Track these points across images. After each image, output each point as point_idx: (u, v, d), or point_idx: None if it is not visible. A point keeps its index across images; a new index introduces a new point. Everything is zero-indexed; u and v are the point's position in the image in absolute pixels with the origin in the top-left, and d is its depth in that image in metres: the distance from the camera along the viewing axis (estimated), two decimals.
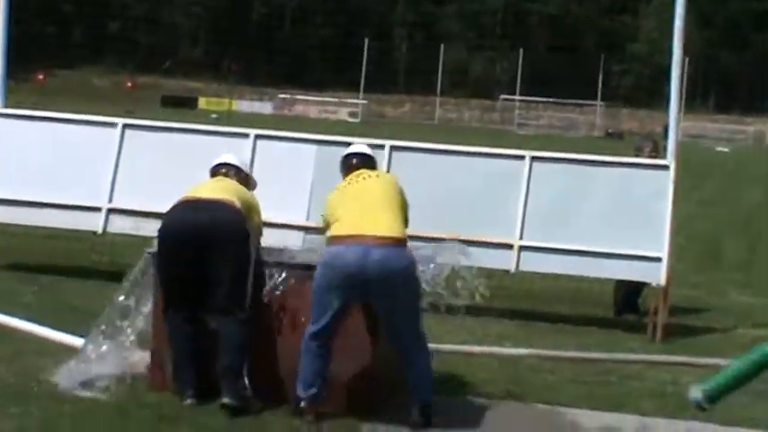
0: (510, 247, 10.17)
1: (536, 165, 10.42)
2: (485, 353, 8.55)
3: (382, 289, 6.17)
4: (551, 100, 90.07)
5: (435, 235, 9.01)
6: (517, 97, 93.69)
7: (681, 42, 10.16)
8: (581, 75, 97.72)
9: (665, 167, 10.12)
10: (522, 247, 10.15)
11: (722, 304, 11.78)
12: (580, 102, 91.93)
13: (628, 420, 6.70)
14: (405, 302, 6.27)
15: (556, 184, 10.34)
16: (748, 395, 7.61)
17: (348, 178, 6.73)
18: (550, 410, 6.84)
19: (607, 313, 10.71)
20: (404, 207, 6.58)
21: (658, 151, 11.04)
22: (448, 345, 8.23)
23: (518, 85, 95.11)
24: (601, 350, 8.89)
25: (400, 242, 6.28)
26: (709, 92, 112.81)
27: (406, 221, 6.53)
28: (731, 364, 5.80)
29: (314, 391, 6.25)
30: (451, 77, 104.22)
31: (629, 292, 10.73)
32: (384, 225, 6.26)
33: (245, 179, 7.15)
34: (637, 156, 10.93)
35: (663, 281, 9.70)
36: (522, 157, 10.51)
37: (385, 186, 6.61)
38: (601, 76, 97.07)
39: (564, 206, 10.24)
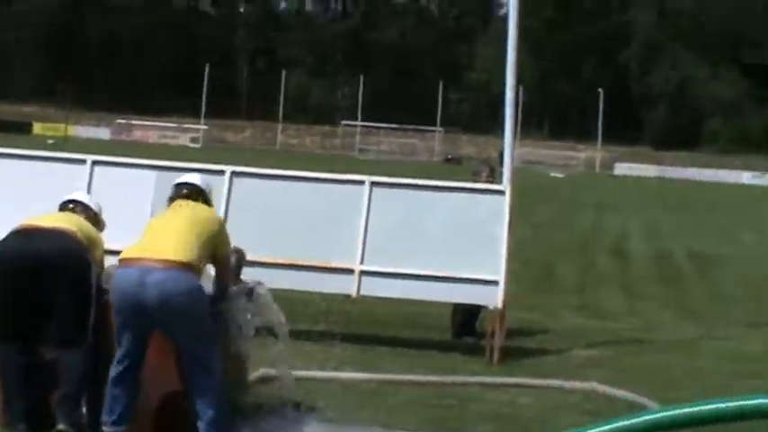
0: (351, 272, 10.22)
1: (376, 190, 10.50)
2: (326, 378, 8.55)
3: (160, 314, 6.04)
4: (392, 126, 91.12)
5: (273, 260, 8.98)
6: (358, 123, 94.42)
7: (514, 71, 10.42)
8: (421, 101, 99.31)
9: (501, 192, 10.34)
10: (362, 272, 10.21)
11: (557, 326, 12.07)
12: (420, 128, 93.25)
13: None
14: (184, 330, 6.16)
15: (395, 209, 10.44)
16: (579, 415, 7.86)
17: (169, 206, 6.70)
18: None
19: (446, 336, 10.85)
20: (211, 239, 6.41)
21: (494, 176, 11.28)
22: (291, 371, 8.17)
23: (359, 110, 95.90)
24: (440, 373, 8.99)
25: (184, 266, 6.11)
26: (543, 119, 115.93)
27: (209, 253, 6.38)
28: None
29: (114, 417, 6.14)
30: (293, 103, 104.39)
31: (467, 316, 10.90)
32: (170, 249, 6.14)
33: (94, 218, 6.97)
34: (474, 180, 11.14)
35: (499, 304, 9.89)
36: (362, 183, 10.59)
37: (192, 215, 6.50)
38: (440, 103, 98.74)
39: (403, 231, 10.34)
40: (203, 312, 6.24)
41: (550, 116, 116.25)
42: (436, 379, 8.80)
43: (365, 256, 10.24)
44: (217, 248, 6.45)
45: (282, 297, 10.15)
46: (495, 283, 9.97)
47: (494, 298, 9.96)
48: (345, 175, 11.39)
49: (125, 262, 6.18)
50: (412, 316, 11.47)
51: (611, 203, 38.51)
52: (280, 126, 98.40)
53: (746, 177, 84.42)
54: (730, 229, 29.77)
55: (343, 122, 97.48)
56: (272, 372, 8.15)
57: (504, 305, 9.96)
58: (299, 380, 8.10)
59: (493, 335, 9.90)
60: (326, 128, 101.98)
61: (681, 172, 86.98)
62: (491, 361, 9.71)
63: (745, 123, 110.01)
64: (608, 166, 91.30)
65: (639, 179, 74.16)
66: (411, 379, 8.74)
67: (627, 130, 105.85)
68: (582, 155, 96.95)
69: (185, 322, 6.12)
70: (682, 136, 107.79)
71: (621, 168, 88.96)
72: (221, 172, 10.41)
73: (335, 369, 8.86)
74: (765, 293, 16.01)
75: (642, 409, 8.08)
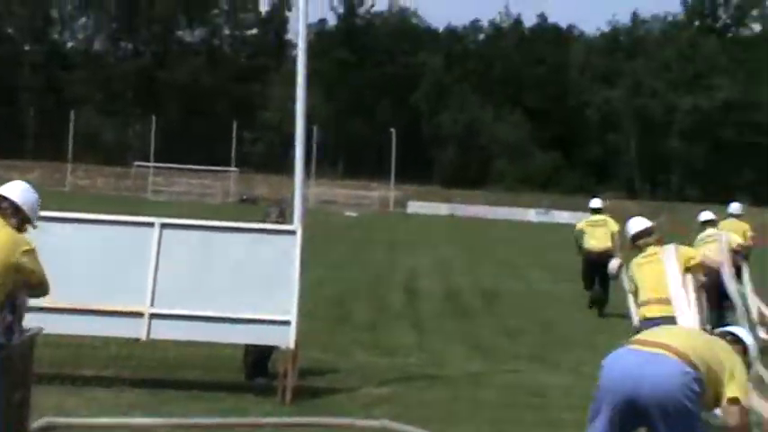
0: (140, 315, 10.06)
1: (165, 231, 10.40)
2: (116, 425, 8.37)
3: None
4: (186, 167, 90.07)
5: (58, 306, 8.76)
6: (151, 164, 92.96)
7: (303, 110, 10.55)
8: (215, 141, 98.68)
9: (292, 232, 10.41)
10: (152, 315, 10.07)
11: (349, 365, 12.18)
12: (214, 168, 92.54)
13: None
14: None
15: (186, 250, 10.37)
16: None
17: None
18: None
19: (238, 378, 10.80)
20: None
21: (285, 217, 11.35)
22: (77, 418, 7.98)
23: (152, 151, 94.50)
24: (233, 415, 8.94)
25: None
26: (338, 159, 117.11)
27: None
28: None
29: None
30: (83, 143, 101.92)
31: (259, 356, 10.88)
32: None
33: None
34: (264, 221, 11.18)
35: (291, 344, 9.93)
36: (152, 224, 10.47)
37: None
38: (234, 143, 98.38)
39: (194, 273, 10.27)
40: None
41: (345, 156, 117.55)
42: (228, 421, 8.76)
43: (155, 298, 10.11)
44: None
45: (70, 343, 9.98)
46: (286, 323, 10.01)
47: (286, 338, 9.99)
48: (135, 216, 11.22)
49: None
50: (204, 358, 11.37)
51: (404, 241, 39.19)
52: (69, 166, 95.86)
53: (532, 215, 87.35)
54: (517, 264, 30.75)
55: (136, 163, 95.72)
56: (57, 420, 7.96)
57: (296, 345, 10.00)
58: (89, 428, 7.92)
59: (285, 375, 9.92)
60: (118, 169, 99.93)
61: (471, 210, 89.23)
62: (283, 401, 9.72)
63: (528, 164, 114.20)
64: (401, 204, 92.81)
65: (431, 217, 75.72)
66: (203, 422, 8.66)
67: (419, 169, 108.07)
68: (375, 194, 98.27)
69: None
70: (470, 175, 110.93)
71: (414, 207, 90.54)
72: None
73: (125, 415, 8.70)
74: (549, 327, 16.61)
75: None
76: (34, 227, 6.88)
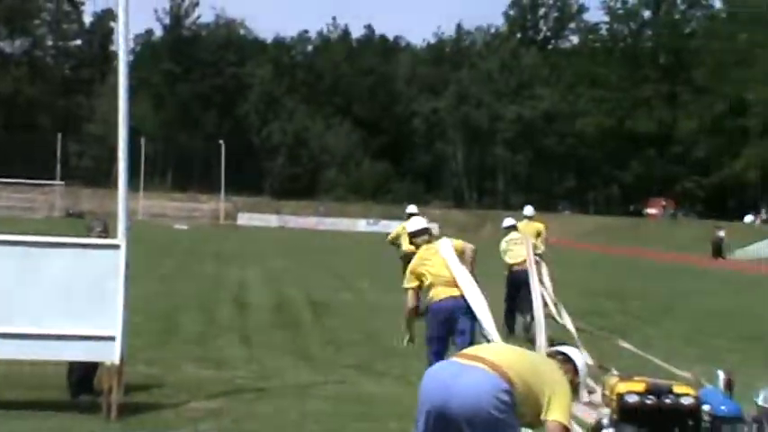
0: None
1: None
2: None
3: None
4: (8, 180, 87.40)
5: None
6: None
7: (126, 121, 10.45)
8: (39, 155, 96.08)
9: (116, 246, 10.29)
10: None
11: (176, 379, 12.08)
12: (39, 182, 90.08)
13: None
14: None
15: (6, 266, 10.13)
16: None
17: None
18: None
19: (63, 396, 10.60)
20: None
21: (108, 231, 11.22)
22: None
23: None
24: None
25: None
26: (167, 171, 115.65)
27: None
28: None
29: None
30: None
31: (84, 373, 10.71)
32: None
33: None
34: (89, 235, 11.03)
35: (116, 360, 9.82)
36: None
37: None
38: (59, 156, 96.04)
39: (16, 289, 10.04)
40: None
41: (174, 168, 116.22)
42: None
43: None
44: None
45: None
46: (111, 338, 9.89)
47: (110, 354, 9.87)
48: None
49: None
50: (27, 377, 11.12)
51: (234, 254, 39.00)
52: None
53: (362, 225, 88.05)
54: (347, 275, 30.98)
55: None
56: None
57: (121, 361, 9.89)
58: None
59: (110, 391, 9.79)
60: None
61: (301, 221, 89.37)
62: (109, 418, 9.60)
63: (359, 174, 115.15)
64: (232, 216, 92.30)
65: (261, 229, 75.51)
66: None
67: (249, 180, 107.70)
68: (206, 206, 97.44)
69: None
70: (301, 186, 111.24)
71: (244, 218, 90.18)
72: None
73: None
74: (375, 337, 16.83)
75: None
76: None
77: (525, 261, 14.65)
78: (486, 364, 6.09)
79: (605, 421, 6.34)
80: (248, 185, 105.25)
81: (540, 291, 13.44)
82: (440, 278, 11.05)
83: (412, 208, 21.56)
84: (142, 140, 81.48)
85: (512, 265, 17.50)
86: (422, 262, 11.33)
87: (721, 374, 6.34)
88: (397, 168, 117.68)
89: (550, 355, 6.56)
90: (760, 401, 6.62)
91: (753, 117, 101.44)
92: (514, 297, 17.15)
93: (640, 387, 6.17)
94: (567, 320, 13.92)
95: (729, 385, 6.67)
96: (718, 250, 58.94)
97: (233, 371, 12.95)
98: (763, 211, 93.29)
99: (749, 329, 20.29)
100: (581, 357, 6.57)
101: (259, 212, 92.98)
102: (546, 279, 14.96)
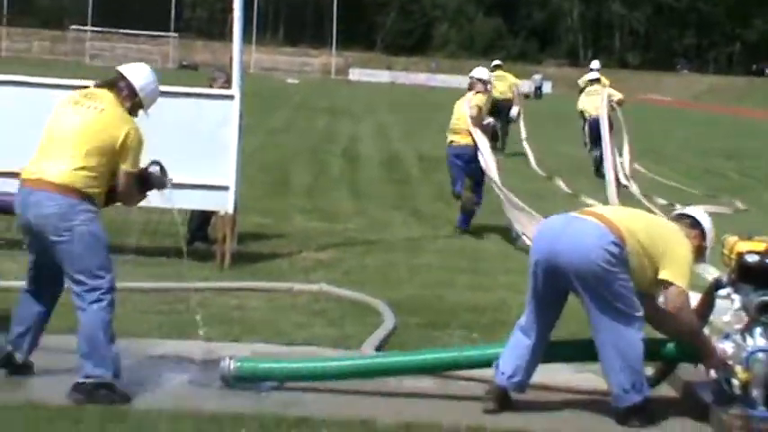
0: None
1: None
2: None
3: (39, 236, 6.01)
4: (124, 31, 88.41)
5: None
6: (89, 28, 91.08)
7: None
8: (154, 6, 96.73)
9: (231, 97, 10.32)
10: None
11: (288, 230, 12.26)
12: (154, 33, 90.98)
13: (195, 346, 6.85)
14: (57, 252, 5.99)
15: None
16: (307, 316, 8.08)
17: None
18: (126, 343, 6.78)
19: (177, 243, 10.79)
20: (105, 148, 6.12)
21: (231, 82, 11.25)
22: (12, 281, 7.92)
23: (89, 14, 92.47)
24: (171, 280, 8.98)
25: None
26: (278, 25, 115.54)
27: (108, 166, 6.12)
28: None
29: None
30: (18, 6, 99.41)
31: (199, 222, 10.91)
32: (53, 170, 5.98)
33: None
34: (211, 87, 11.08)
35: (230, 209, 9.95)
36: (87, 88, 10.30)
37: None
38: (173, 8, 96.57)
39: None
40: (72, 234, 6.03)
41: (286, 22, 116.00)
42: (167, 286, 8.80)
43: None
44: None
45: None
46: (225, 188, 10.01)
47: (224, 203, 10.01)
48: (72, 80, 11.03)
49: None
50: (142, 224, 11.34)
51: (345, 108, 39.03)
52: (4, 30, 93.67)
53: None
54: None
55: (73, 27, 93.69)
56: None
57: (234, 210, 10.03)
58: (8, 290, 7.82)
59: (224, 240, 9.96)
60: (55, 32, 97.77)
61: (412, 77, 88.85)
62: (222, 266, 9.78)
63: (471, 30, 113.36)
64: (342, 71, 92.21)
65: (372, 84, 75.34)
66: (143, 287, 8.71)
67: (360, 35, 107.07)
68: (317, 60, 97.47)
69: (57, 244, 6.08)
70: (412, 41, 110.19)
71: (356, 74, 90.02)
72: None
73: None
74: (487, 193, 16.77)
75: (366, 307, 8.41)
76: (147, 115, 6.71)
77: (602, 112, 16.69)
78: (597, 217, 6.01)
79: (724, 279, 6.23)
80: (360, 41, 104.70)
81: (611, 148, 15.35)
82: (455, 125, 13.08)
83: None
84: None
85: (591, 114, 20.09)
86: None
87: None
88: (511, 25, 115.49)
89: (676, 218, 6.42)
90: None
91: None
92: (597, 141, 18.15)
93: (761, 247, 6.02)
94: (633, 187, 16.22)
95: None
96: None
97: (343, 223, 13.08)
98: None
99: None
100: (708, 220, 6.39)
101: (370, 68, 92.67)
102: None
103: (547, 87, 76.85)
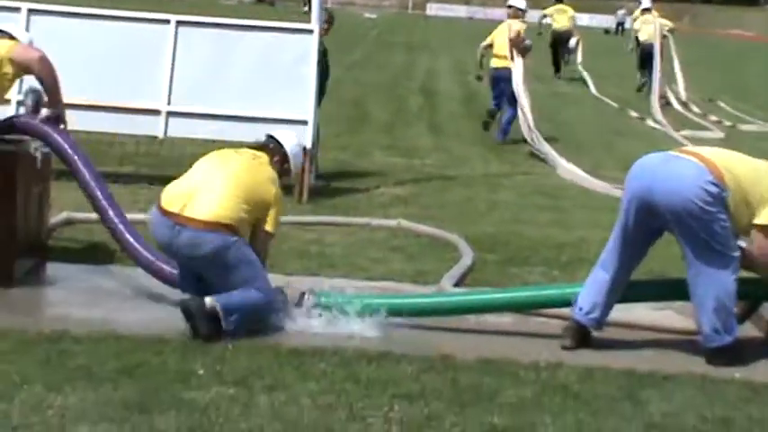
0: (158, 113, 10.11)
1: (182, 29, 10.31)
2: (133, 220, 8.46)
3: None
4: None
5: (77, 102, 8.74)
6: None
7: None
8: None
9: (310, 32, 10.27)
10: (170, 113, 10.11)
11: (366, 165, 12.24)
12: None
13: (275, 280, 6.88)
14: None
15: (202, 49, 10.31)
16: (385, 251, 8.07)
17: None
18: None
19: None
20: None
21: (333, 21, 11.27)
22: (83, 213, 7.99)
23: None
24: None
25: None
26: None
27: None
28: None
29: None
30: None
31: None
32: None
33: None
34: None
35: (309, 144, 9.94)
36: (168, 22, 10.36)
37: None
38: None
39: (211, 71, 10.25)
40: None
41: None
42: None
43: (172, 97, 10.11)
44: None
45: (88, 140, 10.02)
46: (303, 122, 10.00)
47: (303, 138, 10.00)
48: (150, 13, 11.08)
49: None
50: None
51: (422, 44, 38.78)
52: None
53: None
54: (537, 67, 30.40)
55: None
56: (76, 215, 8.06)
57: (313, 145, 10.03)
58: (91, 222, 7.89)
59: (302, 174, 9.96)
60: None
61: (490, 13, 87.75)
62: (300, 200, 9.80)
63: None
64: (420, 6, 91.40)
65: (450, 19, 74.64)
66: None
67: None
68: None
69: None
70: None
71: (433, 9, 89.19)
72: (16, 9, 10.04)
73: (143, 212, 8.77)
74: (569, 129, 16.61)
75: (445, 242, 8.38)
76: (290, 181, 6.82)
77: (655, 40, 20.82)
78: (697, 157, 5.87)
79: None
80: None
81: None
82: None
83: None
84: None
85: (645, 40, 22.90)
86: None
87: None
88: None
89: None
90: None
91: None
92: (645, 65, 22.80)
93: None
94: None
95: None
96: None
97: (422, 159, 13.03)
98: None
99: None
100: None
101: (448, 3, 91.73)
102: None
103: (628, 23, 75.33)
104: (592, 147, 15.24)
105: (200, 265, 6.02)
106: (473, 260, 7.78)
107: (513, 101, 14.44)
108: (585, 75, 25.58)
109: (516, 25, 15.26)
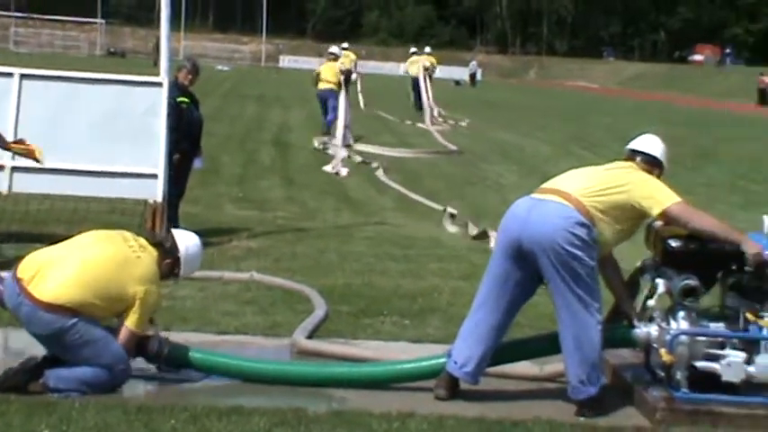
0: (2, 168, 9.90)
1: (26, 82, 10.14)
2: None
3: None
4: (50, 17, 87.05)
5: None
6: (12, 13, 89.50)
7: None
8: None
9: (159, 84, 10.22)
10: (14, 168, 9.91)
11: (218, 218, 12.19)
12: (80, 19, 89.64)
13: None
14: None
15: (48, 102, 10.14)
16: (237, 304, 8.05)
17: None
18: None
19: None
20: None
21: (199, 71, 11.18)
22: None
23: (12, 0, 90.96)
24: None
25: None
26: (208, 11, 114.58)
27: None
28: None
29: None
30: None
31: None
32: None
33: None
34: (176, 76, 10.85)
35: (159, 197, 9.86)
36: (11, 75, 10.18)
37: None
38: None
39: (58, 125, 10.06)
40: None
41: (215, 9, 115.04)
42: None
43: None
44: None
45: None
46: (154, 176, 9.92)
47: (153, 191, 9.92)
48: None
49: None
50: (69, 212, 11.19)
51: (275, 96, 38.88)
52: None
53: (404, 69, 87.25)
54: (389, 119, 30.82)
55: None
56: None
57: (163, 198, 9.94)
58: None
59: (154, 228, 9.86)
60: None
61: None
62: None
63: (402, 17, 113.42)
64: (273, 58, 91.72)
65: (303, 71, 74.98)
66: None
67: (291, 23, 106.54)
68: (247, 48, 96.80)
69: None
70: (343, 28, 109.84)
71: (285, 61, 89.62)
72: None
73: None
74: (414, 179, 16.84)
75: (297, 294, 8.39)
76: (176, 280, 6.65)
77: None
78: (561, 195, 5.99)
79: (648, 263, 6.33)
80: (290, 28, 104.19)
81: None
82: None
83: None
84: None
85: (414, 77, 34.00)
86: None
87: (766, 220, 6.25)
88: (441, 12, 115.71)
89: (629, 157, 6.35)
90: None
91: None
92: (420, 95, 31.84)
93: (684, 232, 6.10)
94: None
95: None
96: (763, 97, 58.05)
97: (274, 211, 13.04)
98: None
99: None
100: (658, 146, 6.43)
101: (301, 55, 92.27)
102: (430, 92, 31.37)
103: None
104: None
105: (41, 340, 5.91)
106: (326, 312, 7.81)
107: (333, 110, 22.07)
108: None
109: (340, 61, 24.50)
